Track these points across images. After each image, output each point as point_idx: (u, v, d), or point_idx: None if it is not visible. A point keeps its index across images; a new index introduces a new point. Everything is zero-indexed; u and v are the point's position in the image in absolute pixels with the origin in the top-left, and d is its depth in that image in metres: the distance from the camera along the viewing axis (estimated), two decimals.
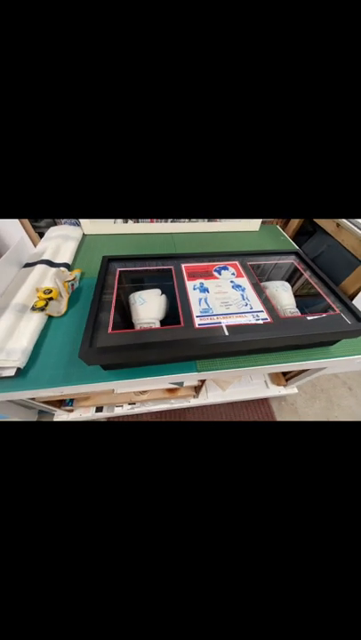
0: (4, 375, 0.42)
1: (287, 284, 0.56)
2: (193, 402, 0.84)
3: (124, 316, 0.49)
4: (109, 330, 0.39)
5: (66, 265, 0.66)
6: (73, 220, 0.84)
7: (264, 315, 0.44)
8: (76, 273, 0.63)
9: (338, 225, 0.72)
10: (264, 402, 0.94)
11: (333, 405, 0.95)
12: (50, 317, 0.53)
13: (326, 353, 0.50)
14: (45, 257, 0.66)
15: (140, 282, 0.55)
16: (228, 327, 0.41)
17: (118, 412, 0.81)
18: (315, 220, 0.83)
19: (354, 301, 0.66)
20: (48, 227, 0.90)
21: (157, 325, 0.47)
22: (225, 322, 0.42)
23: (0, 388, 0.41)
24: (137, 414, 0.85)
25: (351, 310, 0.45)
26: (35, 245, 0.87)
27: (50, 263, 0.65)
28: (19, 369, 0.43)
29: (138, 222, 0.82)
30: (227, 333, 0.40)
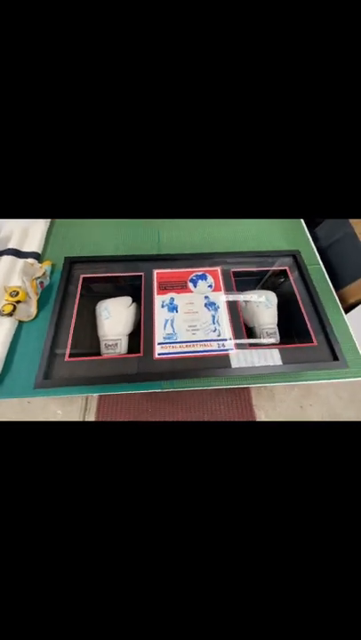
0: None
1: (272, 298, 0.49)
2: None
3: (91, 324, 0.47)
4: (67, 357, 0.39)
5: (35, 255, 0.60)
6: None
7: (230, 343, 0.41)
8: (46, 266, 0.58)
9: None
10: (245, 388, 0.99)
11: (311, 394, 1.00)
12: (20, 322, 0.53)
13: (299, 376, 0.49)
14: (12, 245, 0.60)
15: (107, 287, 0.50)
16: (186, 359, 0.39)
17: None
18: None
19: (353, 312, 0.59)
20: None
21: (124, 342, 0.46)
22: (187, 351, 0.40)
23: None
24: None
25: (330, 344, 0.41)
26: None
27: (17, 253, 0.60)
28: None
29: None
30: (183, 367, 0.38)
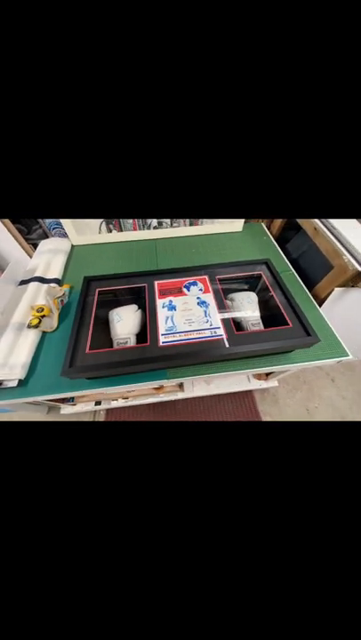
0: (8, 386, 0.52)
1: (253, 296, 0.60)
2: (180, 395, 0.93)
3: (105, 331, 0.56)
4: (87, 350, 0.47)
5: (56, 280, 0.73)
6: (62, 232, 0.89)
7: (221, 331, 0.50)
8: (66, 288, 0.70)
9: (315, 228, 0.72)
10: (248, 393, 1.02)
11: (314, 396, 1.02)
12: (44, 332, 0.62)
13: (286, 359, 0.56)
14: (37, 274, 0.74)
15: (118, 299, 0.61)
16: (185, 345, 0.47)
17: (115, 404, 0.92)
18: (297, 220, 0.83)
19: (324, 305, 0.69)
20: (40, 239, 0.96)
21: (133, 340, 0.54)
22: (185, 339, 0.48)
23: (5, 396, 0.52)
24: (132, 406, 0.97)
25: (303, 324, 0.50)
26: (30, 256, 0.93)
27: (42, 280, 0.73)
28: (20, 380, 0.53)
29: (122, 231, 0.86)
30: (184, 351, 0.46)
